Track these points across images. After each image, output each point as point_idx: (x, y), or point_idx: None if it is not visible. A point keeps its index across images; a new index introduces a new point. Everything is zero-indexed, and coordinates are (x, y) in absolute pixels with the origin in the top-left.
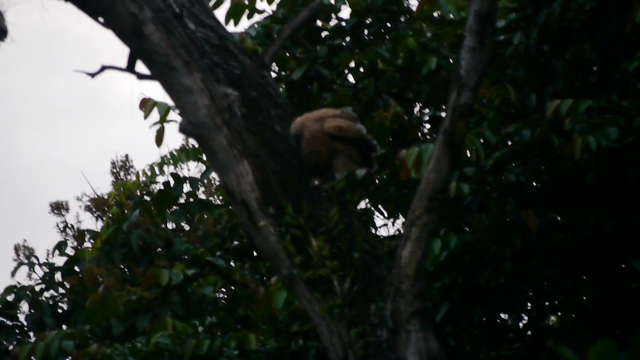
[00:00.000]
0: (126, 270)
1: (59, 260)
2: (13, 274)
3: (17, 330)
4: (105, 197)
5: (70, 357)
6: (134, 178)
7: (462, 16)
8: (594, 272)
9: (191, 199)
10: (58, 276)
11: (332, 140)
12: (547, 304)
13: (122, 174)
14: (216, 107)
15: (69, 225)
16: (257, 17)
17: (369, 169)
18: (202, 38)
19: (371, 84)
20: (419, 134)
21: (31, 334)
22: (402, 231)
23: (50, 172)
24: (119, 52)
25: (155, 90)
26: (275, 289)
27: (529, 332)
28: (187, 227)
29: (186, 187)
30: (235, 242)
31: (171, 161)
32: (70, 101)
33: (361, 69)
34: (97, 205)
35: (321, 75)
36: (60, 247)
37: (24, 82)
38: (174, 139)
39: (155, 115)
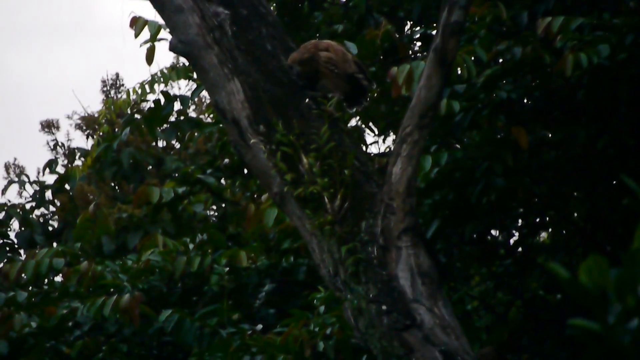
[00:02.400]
0: (117, 188)
1: (50, 179)
2: (3, 192)
3: (7, 248)
4: (96, 115)
5: (60, 275)
6: (124, 96)
7: None
8: (585, 189)
9: (182, 117)
10: (48, 194)
11: (321, 63)
12: (538, 220)
13: (112, 92)
14: (207, 26)
15: (60, 144)
16: None
17: (356, 105)
18: None
19: (362, 2)
20: (410, 52)
21: (22, 251)
22: (392, 148)
23: (40, 91)
24: None
25: (146, 9)
26: (265, 207)
27: (520, 249)
28: (177, 145)
29: (177, 106)
30: (226, 160)
31: (162, 79)
32: (59, 20)
33: None
34: (87, 123)
35: None
36: (51, 165)
37: (13, 1)
38: (165, 57)
39: (145, 34)
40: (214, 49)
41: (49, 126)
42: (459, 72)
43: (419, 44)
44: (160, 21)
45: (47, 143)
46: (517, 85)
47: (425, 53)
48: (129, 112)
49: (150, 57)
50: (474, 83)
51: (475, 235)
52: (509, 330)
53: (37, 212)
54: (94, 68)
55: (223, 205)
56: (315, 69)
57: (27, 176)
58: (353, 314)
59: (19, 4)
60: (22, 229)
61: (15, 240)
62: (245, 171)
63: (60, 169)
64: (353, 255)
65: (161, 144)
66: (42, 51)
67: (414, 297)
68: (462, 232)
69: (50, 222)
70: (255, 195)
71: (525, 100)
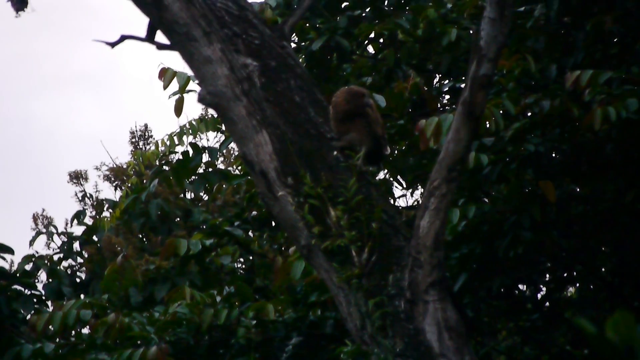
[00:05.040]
0: (144, 239)
1: (78, 230)
2: (31, 243)
3: (34, 300)
4: (124, 166)
5: (88, 326)
6: (153, 148)
7: None
8: (612, 243)
9: (210, 169)
10: (76, 245)
11: (359, 107)
12: (565, 275)
13: (141, 143)
14: (235, 77)
15: (88, 195)
16: None
17: (373, 166)
18: (222, 8)
19: (391, 54)
20: (439, 105)
21: (49, 303)
22: (420, 201)
23: (69, 141)
24: (136, 22)
25: (175, 60)
26: (293, 259)
27: (547, 303)
28: (205, 197)
29: (205, 157)
30: (254, 212)
31: (190, 131)
32: (88, 70)
33: (381, 40)
34: (116, 174)
35: (341, 45)
36: (79, 216)
37: (42, 50)
38: (194, 108)
39: (174, 85)
40: (242, 101)
41: (77, 177)
42: (487, 125)
43: (447, 96)
44: (190, 72)
45: (76, 194)
46: (546, 138)
47: (453, 106)
48: (157, 163)
49: (179, 109)
50: (502, 136)
51: (502, 289)
52: None
53: (64, 263)
54: (123, 118)
55: (250, 257)
56: (355, 113)
57: (55, 227)
58: None
59: (47, 53)
60: (50, 280)
61: (43, 292)
62: (273, 223)
63: (88, 220)
64: (380, 309)
65: (189, 195)
66: (69, 101)
67: (441, 351)
68: (489, 286)
69: (78, 273)
70: (283, 248)
71: (553, 154)
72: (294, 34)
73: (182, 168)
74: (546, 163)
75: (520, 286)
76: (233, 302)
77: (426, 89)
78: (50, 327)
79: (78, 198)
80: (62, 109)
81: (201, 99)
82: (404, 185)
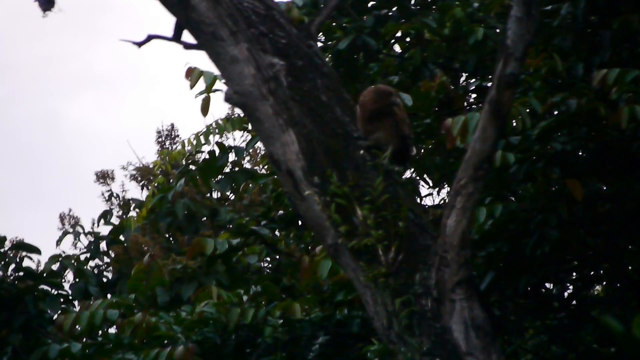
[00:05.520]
0: (171, 239)
1: (104, 230)
2: (58, 243)
3: (61, 299)
4: (151, 166)
5: (115, 326)
6: (179, 147)
7: None
8: (639, 242)
9: (236, 168)
10: (103, 245)
11: (386, 106)
12: (592, 273)
13: (167, 143)
14: (262, 77)
15: (114, 194)
16: None
17: (400, 165)
18: (248, 8)
19: (418, 53)
20: (465, 104)
21: (76, 302)
22: (447, 200)
23: (95, 141)
24: (162, 21)
25: (202, 60)
26: (320, 258)
27: (574, 302)
28: (232, 196)
29: (232, 157)
30: (281, 212)
31: (217, 130)
32: (113, 70)
33: (407, 39)
34: (142, 174)
35: (367, 44)
36: (106, 216)
37: (68, 50)
38: (220, 108)
39: (201, 84)
40: (269, 100)
41: (104, 177)
42: (514, 123)
43: (474, 95)
44: (216, 72)
45: (102, 194)
46: (572, 137)
47: (480, 105)
48: (183, 163)
49: (205, 108)
50: (529, 135)
51: (529, 288)
52: None
53: (91, 263)
54: (149, 118)
55: (277, 256)
56: (382, 112)
57: (82, 227)
58: None
59: (73, 53)
60: (77, 280)
61: (70, 292)
62: (300, 223)
63: (114, 220)
64: (407, 308)
65: (216, 195)
66: (96, 100)
67: (468, 350)
68: (516, 284)
69: (105, 273)
70: (310, 247)
71: (580, 153)
72: (321, 33)
73: (209, 167)
74: (573, 162)
75: (547, 285)
76: (260, 302)
77: (453, 87)
78: (77, 327)
79: (105, 198)
80: (88, 108)
81: (228, 99)
82: (431, 184)
